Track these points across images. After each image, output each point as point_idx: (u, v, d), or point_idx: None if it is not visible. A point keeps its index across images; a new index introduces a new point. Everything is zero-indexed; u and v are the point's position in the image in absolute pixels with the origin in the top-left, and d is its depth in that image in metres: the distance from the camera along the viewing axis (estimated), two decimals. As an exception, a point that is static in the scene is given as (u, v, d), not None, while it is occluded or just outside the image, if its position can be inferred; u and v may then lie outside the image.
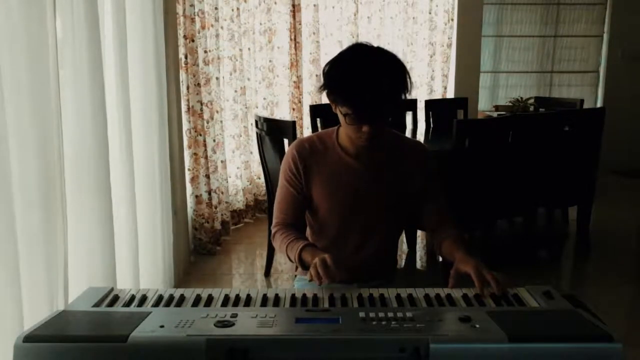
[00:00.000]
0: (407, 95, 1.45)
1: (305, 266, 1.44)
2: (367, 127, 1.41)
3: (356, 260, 1.61)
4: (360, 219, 1.58)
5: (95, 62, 1.79)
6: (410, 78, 1.43)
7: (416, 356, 0.97)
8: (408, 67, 1.47)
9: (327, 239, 1.63)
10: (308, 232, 1.69)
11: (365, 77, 1.37)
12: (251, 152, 4.40)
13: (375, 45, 1.45)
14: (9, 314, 1.35)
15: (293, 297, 1.25)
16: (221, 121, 3.90)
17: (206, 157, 3.56)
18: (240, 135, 4.29)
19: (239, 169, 4.34)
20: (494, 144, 2.94)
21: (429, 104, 4.57)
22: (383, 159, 1.58)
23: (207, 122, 3.60)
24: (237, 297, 1.23)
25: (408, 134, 4.03)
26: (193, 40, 3.35)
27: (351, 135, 1.49)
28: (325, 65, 1.45)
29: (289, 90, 4.74)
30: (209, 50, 3.61)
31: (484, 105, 5.97)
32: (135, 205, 2.27)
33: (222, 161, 3.90)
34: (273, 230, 1.62)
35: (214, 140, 3.74)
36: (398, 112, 1.51)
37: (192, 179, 3.52)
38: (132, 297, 1.22)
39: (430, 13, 5.37)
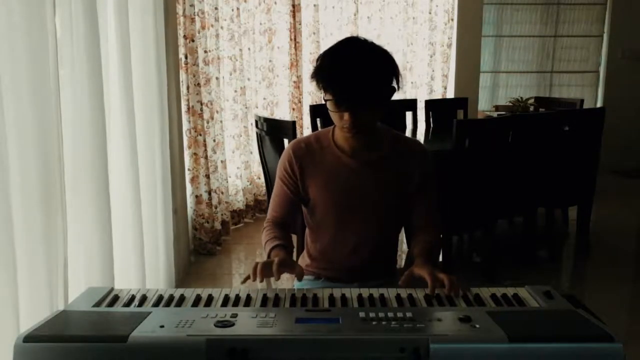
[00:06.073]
0: (395, 88, 1.47)
1: None
2: (348, 115, 1.43)
3: (355, 259, 1.61)
4: (357, 218, 1.58)
5: (94, 62, 1.78)
6: (396, 72, 1.46)
7: (416, 356, 0.97)
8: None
9: (325, 239, 1.64)
10: (307, 232, 1.70)
11: (345, 62, 1.41)
12: (251, 152, 4.40)
13: (370, 40, 1.47)
14: (9, 314, 1.35)
15: (293, 297, 1.25)
16: (221, 121, 3.91)
17: (206, 157, 3.56)
18: (240, 135, 4.29)
19: (239, 169, 4.35)
20: (494, 144, 2.94)
21: (429, 104, 4.56)
22: (380, 157, 1.58)
23: (207, 122, 3.60)
24: (237, 297, 1.24)
25: (408, 133, 4.03)
26: (193, 40, 3.36)
27: (337, 126, 1.52)
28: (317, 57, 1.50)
29: (289, 90, 4.74)
30: (209, 50, 3.61)
31: (484, 105, 5.97)
32: (135, 206, 2.26)
33: (222, 161, 3.90)
34: (264, 225, 1.66)
35: (214, 140, 3.74)
36: (384, 105, 1.52)
37: (192, 179, 3.52)
38: (132, 297, 1.22)
39: (430, 13, 5.37)
